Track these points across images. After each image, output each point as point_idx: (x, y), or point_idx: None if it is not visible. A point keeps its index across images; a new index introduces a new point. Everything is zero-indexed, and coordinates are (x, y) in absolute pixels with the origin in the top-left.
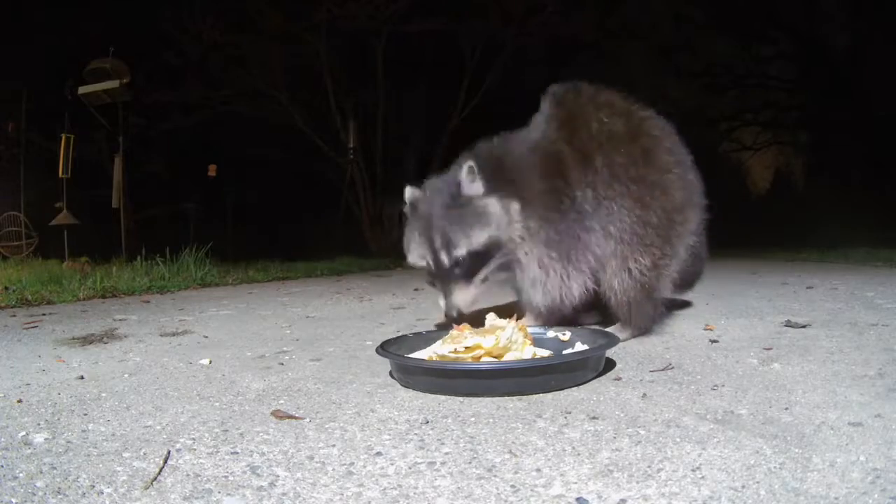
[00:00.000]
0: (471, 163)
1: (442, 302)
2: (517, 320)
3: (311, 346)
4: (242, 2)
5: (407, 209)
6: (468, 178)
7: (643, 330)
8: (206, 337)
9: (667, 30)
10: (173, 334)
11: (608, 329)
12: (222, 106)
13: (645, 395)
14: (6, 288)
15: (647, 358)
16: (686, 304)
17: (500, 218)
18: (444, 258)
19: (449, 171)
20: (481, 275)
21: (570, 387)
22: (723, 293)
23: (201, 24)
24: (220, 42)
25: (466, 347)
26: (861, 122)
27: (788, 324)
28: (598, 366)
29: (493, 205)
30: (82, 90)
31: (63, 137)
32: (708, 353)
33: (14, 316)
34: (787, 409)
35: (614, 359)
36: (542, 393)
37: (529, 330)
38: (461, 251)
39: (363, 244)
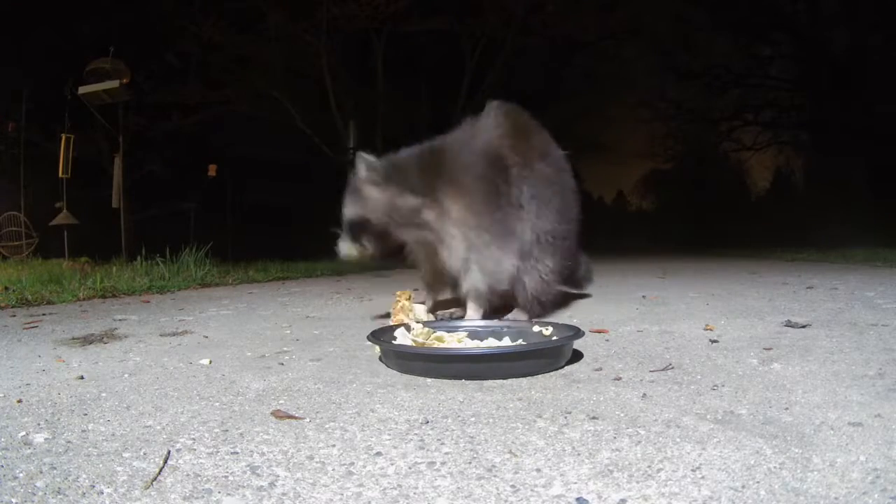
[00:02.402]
0: (370, 159)
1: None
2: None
3: (311, 346)
4: (242, 2)
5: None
6: (363, 168)
7: (539, 315)
8: (206, 337)
9: (667, 30)
10: (173, 334)
11: (509, 315)
12: (222, 106)
13: (645, 395)
14: (6, 288)
15: (647, 358)
16: (686, 304)
17: (377, 203)
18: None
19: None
20: (366, 241)
21: (498, 378)
22: (723, 293)
23: (201, 24)
24: (220, 42)
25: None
26: (861, 121)
27: (788, 324)
28: (532, 362)
29: (372, 192)
30: (82, 90)
31: (63, 137)
32: (708, 353)
33: (14, 316)
34: (787, 409)
35: (615, 359)
36: (454, 379)
37: (513, 325)
38: (343, 218)
39: None
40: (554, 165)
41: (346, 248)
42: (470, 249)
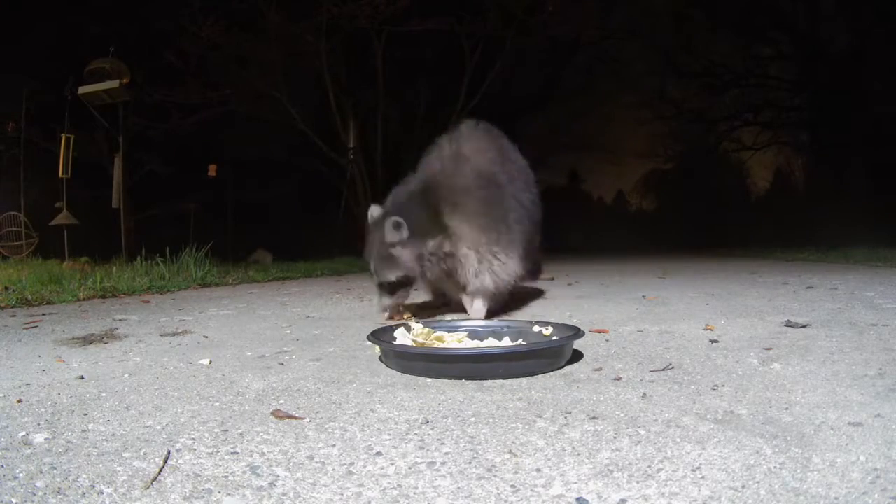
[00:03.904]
0: (396, 219)
1: (376, 300)
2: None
3: (311, 346)
4: (242, 2)
5: (369, 224)
6: (391, 230)
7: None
8: (206, 337)
9: (667, 30)
10: (173, 334)
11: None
12: (222, 106)
13: (645, 395)
14: (6, 288)
15: (647, 358)
16: (686, 304)
17: (409, 261)
18: (375, 280)
19: (399, 192)
20: (402, 290)
21: (487, 379)
22: (723, 293)
23: (201, 24)
24: (220, 42)
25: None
26: (861, 121)
27: (788, 324)
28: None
29: (403, 253)
30: (82, 90)
31: (63, 137)
32: (708, 353)
33: (14, 316)
34: (787, 409)
35: (615, 359)
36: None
37: (513, 325)
38: (381, 281)
39: (363, 244)
40: (525, 175)
41: (388, 304)
42: (482, 261)
